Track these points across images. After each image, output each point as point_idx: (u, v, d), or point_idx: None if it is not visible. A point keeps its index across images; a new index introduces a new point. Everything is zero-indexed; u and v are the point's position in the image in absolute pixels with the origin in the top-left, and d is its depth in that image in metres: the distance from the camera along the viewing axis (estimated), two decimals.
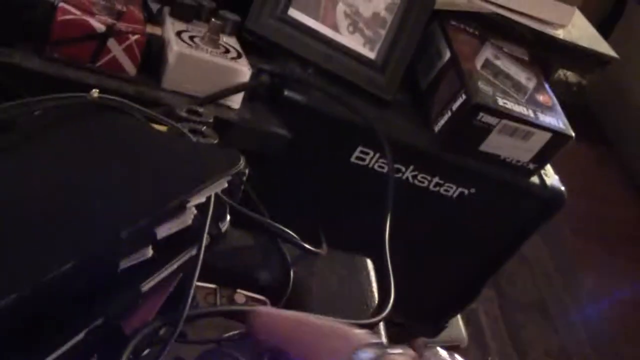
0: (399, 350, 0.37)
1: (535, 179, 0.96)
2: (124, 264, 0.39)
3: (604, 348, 1.85)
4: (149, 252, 0.40)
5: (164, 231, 0.40)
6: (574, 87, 3.00)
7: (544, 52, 1.02)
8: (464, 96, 0.86)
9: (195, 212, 0.42)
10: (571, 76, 3.07)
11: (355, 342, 0.37)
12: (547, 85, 0.99)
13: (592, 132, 2.58)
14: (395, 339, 0.51)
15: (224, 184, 0.44)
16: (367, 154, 0.88)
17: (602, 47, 1.06)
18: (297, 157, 0.84)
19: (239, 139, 0.71)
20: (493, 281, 1.83)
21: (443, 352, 0.36)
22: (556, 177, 0.98)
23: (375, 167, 0.90)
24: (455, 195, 0.94)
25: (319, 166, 0.89)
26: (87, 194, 0.41)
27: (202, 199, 0.43)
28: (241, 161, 0.44)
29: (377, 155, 0.89)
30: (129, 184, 0.42)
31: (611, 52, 1.06)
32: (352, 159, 0.89)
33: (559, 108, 0.95)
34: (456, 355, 0.36)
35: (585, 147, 2.43)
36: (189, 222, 0.42)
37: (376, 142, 0.86)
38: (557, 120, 0.91)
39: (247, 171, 0.67)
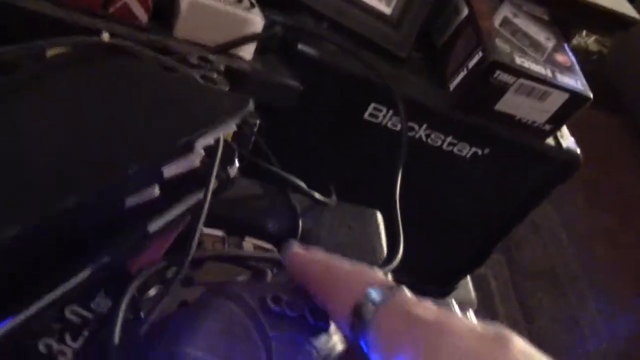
0: (409, 293, 0.36)
1: (550, 141, 0.94)
2: (131, 202, 0.39)
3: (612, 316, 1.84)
4: (156, 191, 0.40)
5: (171, 171, 0.40)
6: (594, 56, 2.95)
7: (564, 12, 1.00)
8: (480, 54, 0.84)
9: (202, 153, 0.42)
10: (591, 44, 3.02)
11: (374, 280, 0.37)
12: (566, 46, 0.97)
13: (611, 101, 2.54)
14: None
15: (232, 126, 0.44)
16: (380, 111, 0.87)
17: (626, 8, 1.03)
18: (309, 112, 0.83)
19: (250, 90, 0.70)
20: (503, 248, 1.83)
21: (455, 304, 0.36)
22: (572, 139, 0.97)
23: (388, 124, 0.89)
24: (468, 156, 0.93)
25: (331, 122, 0.88)
26: (95, 131, 0.40)
27: (210, 141, 0.42)
28: (250, 105, 0.43)
29: (390, 112, 0.88)
30: (136, 123, 0.41)
31: (635, 15, 1.03)
32: (365, 116, 0.88)
33: (577, 69, 0.93)
34: (470, 311, 0.36)
35: (603, 116, 2.40)
36: (197, 163, 0.42)
37: (390, 100, 0.85)
38: (575, 81, 0.89)
39: (257, 122, 0.67)
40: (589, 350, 1.75)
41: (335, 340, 0.39)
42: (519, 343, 0.30)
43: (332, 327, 0.40)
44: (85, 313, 0.41)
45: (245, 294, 0.38)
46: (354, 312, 0.36)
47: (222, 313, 0.37)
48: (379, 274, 0.39)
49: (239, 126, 0.63)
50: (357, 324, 0.36)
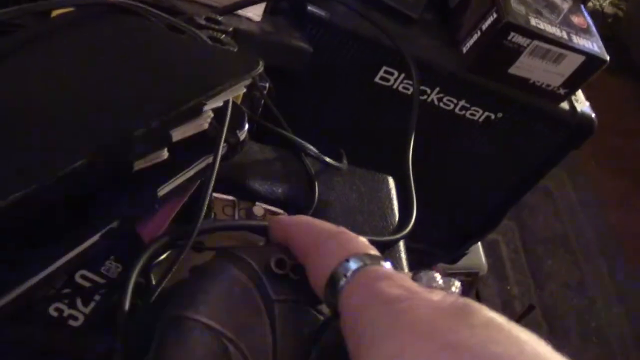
0: (386, 265, 0.35)
1: (565, 105, 0.92)
2: (139, 164, 0.38)
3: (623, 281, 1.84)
4: (164, 154, 0.39)
5: (179, 134, 0.39)
6: (609, 19, 2.89)
7: None
8: (494, 15, 0.82)
9: (211, 115, 0.41)
10: (607, 7, 2.95)
11: (352, 249, 0.35)
12: (583, 7, 0.94)
13: (626, 66, 2.50)
14: (414, 266, 0.50)
15: (242, 88, 0.43)
16: (392, 74, 0.86)
17: None
18: (319, 75, 0.82)
19: (259, 52, 0.69)
20: (515, 214, 1.82)
21: (437, 275, 0.34)
22: (587, 103, 0.95)
23: (400, 88, 0.87)
24: (481, 120, 0.92)
25: (342, 85, 0.87)
26: (102, 93, 0.39)
27: (219, 103, 0.41)
28: (260, 66, 0.42)
29: (402, 75, 0.86)
30: (143, 86, 0.40)
31: None
32: (376, 79, 0.86)
33: (594, 31, 0.91)
34: (454, 280, 0.34)
35: (618, 81, 2.36)
36: (205, 125, 0.41)
37: (401, 63, 0.83)
38: (591, 43, 0.87)
39: (267, 85, 0.66)
40: (599, 315, 1.75)
41: None
42: (481, 314, 0.28)
43: None
44: (96, 278, 0.41)
45: (250, 258, 0.38)
46: (328, 282, 0.34)
47: (225, 278, 0.37)
48: (361, 241, 0.37)
49: (248, 89, 0.62)
50: (329, 295, 0.34)
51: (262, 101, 0.64)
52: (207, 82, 0.40)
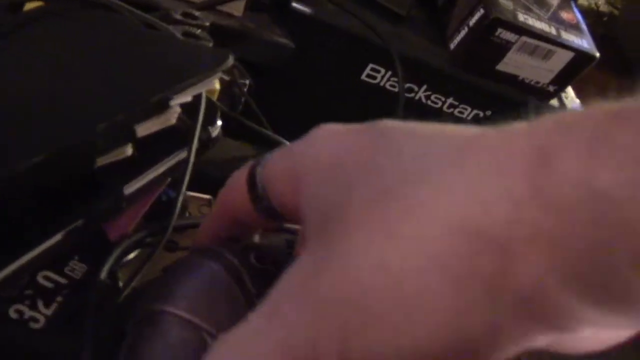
0: None
1: (555, 102, 0.91)
2: (102, 160, 0.37)
3: None
4: (129, 150, 0.38)
5: (144, 129, 0.38)
6: (604, 17, 2.88)
7: None
8: (482, 10, 0.81)
9: (179, 110, 0.40)
10: (602, 5, 2.94)
11: None
12: (572, 3, 0.93)
13: (621, 64, 2.49)
14: None
15: (212, 82, 0.41)
16: (379, 71, 0.85)
17: None
18: (304, 72, 0.80)
19: (240, 48, 0.68)
20: None
21: None
22: (577, 100, 0.94)
23: (387, 86, 0.86)
24: (470, 118, 0.91)
25: (328, 83, 0.86)
26: (65, 88, 0.38)
27: (188, 98, 0.40)
28: (229, 59, 0.41)
29: (389, 73, 0.85)
30: (108, 80, 0.39)
31: None
32: (363, 77, 0.85)
33: (584, 27, 0.90)
34: None
35: (612, 79, 2.35)
36: (173, 121, 0.40)
37: (388, 60, 0.82)
38: (581, 39, 0.86)
39: (248, 82, 0.65)
40: None
41: None
42: (386, 123, 0.24)
43: None
44: (59, 279, 0.39)
45: (228, 253, 0.36)
46: (247, 180, 0.30)
47: (204, 272, 0.35)
48: None
49: (228, 85, 0.61)
50: (251, 190, 0.30)
51: (243, 98, 0.63)
52: (173, 77, 0.39)
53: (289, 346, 0.20)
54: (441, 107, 0.89)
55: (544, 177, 0.16)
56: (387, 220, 0.19)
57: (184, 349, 0.31)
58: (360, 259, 0.19)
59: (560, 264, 0.16)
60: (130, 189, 0.40)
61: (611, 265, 0.15)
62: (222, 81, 0.57)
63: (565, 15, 0.89)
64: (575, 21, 0.89)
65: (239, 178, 0.31)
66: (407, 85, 0.85)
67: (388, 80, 0.85)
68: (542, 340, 0.18)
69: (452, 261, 0.17)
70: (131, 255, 0.43)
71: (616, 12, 2.83)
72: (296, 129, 0.62)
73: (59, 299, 0.38)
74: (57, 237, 0.37)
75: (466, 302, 0.17)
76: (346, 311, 0.19)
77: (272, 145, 0.60)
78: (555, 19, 0.86)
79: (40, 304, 0.37)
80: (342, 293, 0.19)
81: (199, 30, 0.53)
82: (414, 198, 0.19)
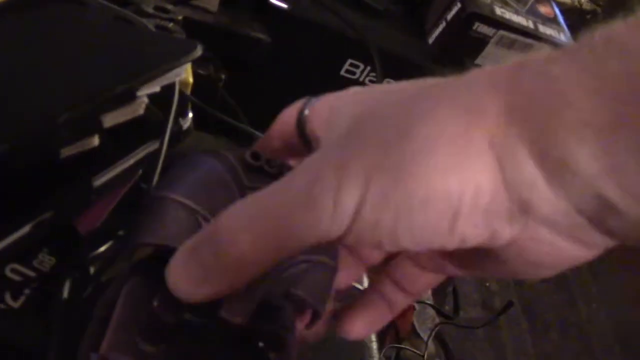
0: None
1: None
2: (67, 151, 0.36)
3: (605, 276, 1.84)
4: (95, 140, 0.37)
5: (111, 119, 0.38)
6: (588, 15, 2.90)
7: None
8: (459, 5, 0.81)
9: (146, 101, 0.39)
10: (585, 4, 2.96)
11: None
12: None
13: None
14: None
15: (179, 72, 0.41)
16: (357, 67, 0.85)
17: None
18: (283, 69, 0.80)
19: (215, 43, 0.67)
20: None
21: None
22: None
23: (366, 81, 0.86)
24: None
25: (306, 78, 0.85)
26: (27, 79, 0.38)
27: (156, 88, 0.40)
28: (197, 50, 0.41)
29: (368, 68, 0.85)
30: (73, 71, 0.39)
31: None
32: (342, 72, 0.85)
33: (561, 20, 0.90)
34: None
35: None
36: (140, 111, 0.39)
37: (367, 55, 0.82)
38: (558, 33, 0.86)
39: (223, 77, 0.65)
40: (579, 311, 1.75)
41: None
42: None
43: None
44: (27, 271, 0.39)
45: (226, 152, 0.37)
46: (296, 123, 0.35)
47: (203, 167, 0.36)
48: None
49: (203, 79, 0.61)
50: (299, 115, 0.34)
51: (219, 93, 0.63)
52: (139, 67, 0.39)
53: (317, 178, 0.23)
54: None
55: (517, 84, 0.22)
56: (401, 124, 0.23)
57: (178, 228, 0.32)
58: (382, 133, 0.23)
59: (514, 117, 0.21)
60: (99, 180, 0.40)
61: (550, 128, 0.20)
62: (196, 75, 0.57)
63: (542, 9, 0.89)
64: (552, 15, 0.90)
65: (296, 104, 0.36)
66: (386, 80, 0.85)
67: (367, 75, 0.85)
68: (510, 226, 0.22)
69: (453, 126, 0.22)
70: (102, 249, 0.43)
71: (599, 10, 2.85)
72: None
73: (27, 291, 0.38)
74: (25, 229, 0.37)
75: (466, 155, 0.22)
76: (372, 156, 0.22)
77: (248, 138, 0.59)
78: (532, 13, 0.87)
79: (7, 297, 0.37)
80: (369, 143, 0.23)
81: (171, 24, 0.53)
82: (422, 110, 0.23)
